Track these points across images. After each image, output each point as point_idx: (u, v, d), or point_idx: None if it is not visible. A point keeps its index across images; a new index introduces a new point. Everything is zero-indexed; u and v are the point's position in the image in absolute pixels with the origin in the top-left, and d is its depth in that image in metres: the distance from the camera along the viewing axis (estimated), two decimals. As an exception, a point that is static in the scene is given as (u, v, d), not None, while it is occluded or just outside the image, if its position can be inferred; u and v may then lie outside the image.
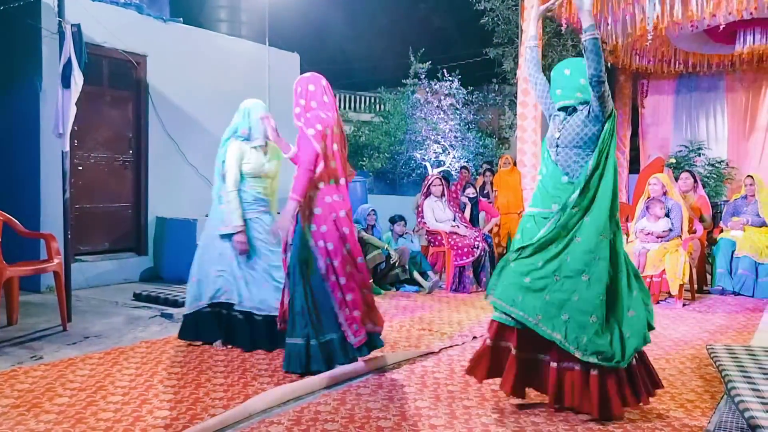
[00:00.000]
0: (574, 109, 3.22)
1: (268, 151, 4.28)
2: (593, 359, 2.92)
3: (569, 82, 3.24)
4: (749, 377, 2.76)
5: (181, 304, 5.37)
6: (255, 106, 4.28)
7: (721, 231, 6.92)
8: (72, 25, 4.77)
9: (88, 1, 6.43)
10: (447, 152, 14.54)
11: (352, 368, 3.65)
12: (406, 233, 7.18)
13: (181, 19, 7.71)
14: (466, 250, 6.68)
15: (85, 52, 4.87)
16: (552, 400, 3.05)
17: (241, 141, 4.22)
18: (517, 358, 3.08)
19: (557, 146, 3.21)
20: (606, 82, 3.07)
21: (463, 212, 7.46)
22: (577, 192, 3.05)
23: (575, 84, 3.22)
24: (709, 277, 6.85)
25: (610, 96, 3.15)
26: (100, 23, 6.35)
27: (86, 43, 4.93)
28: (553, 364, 3.04)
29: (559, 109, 3.28)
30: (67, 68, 4.72)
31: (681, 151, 10.40)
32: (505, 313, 3.10)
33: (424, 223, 7.05)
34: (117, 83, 6.91)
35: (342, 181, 3.76)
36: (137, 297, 5.76)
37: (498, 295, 3.13)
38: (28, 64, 6.21)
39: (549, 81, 3.40)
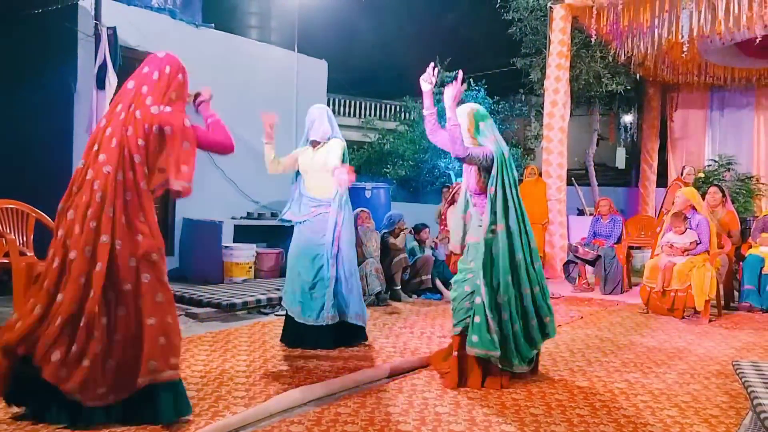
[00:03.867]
0: None
1: (321, 148, 4.37)
2: None
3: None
4: (776, 394, 2.71)
5: (206, 304, 5.45)
6: (309, 110, 4.49)
7: (750, 247, 6.81)
8: (108, 28, 4.91)
9: (123, 5, 6.58)
10: (472, 161, 14.55)
11: (373, 372, 3.67)
12: (434, 242, 7.19)
13: (213, 24, 7.84)
14: (488, 259, 6.64)
15: (120, 54, 5.00)
16: None
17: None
18: None
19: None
20: (468, 157, 3.53)
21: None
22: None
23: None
24: (736, 293, 6.74)
25: (479, 155, 3.56)
26: (134, 27, 6.49)
27: (121, 46, 5.05)
28: None
29: None
30: (102, 70, 4.86)
31: (710, 165, 10.27)
32: None
33: (448, 231, 7.04)
34: (149, 86, 7.03)
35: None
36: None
37: None
38: (63, 65, 6.36)
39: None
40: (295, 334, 4.34)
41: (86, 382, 2.65)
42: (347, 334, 4.39)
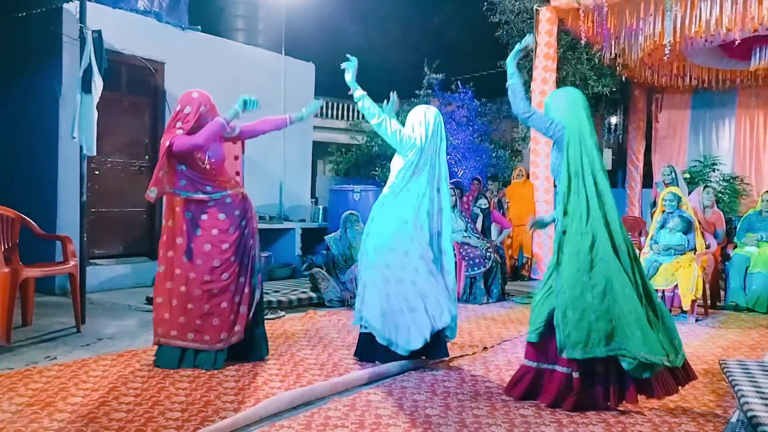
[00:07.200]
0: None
1: None
2: None
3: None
4: (762, 392, 2.75)
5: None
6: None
7: (735, 246, 6.88)
8: (93, 31, 4.85)
9: (108, 8, 6.53)
10: (460, 163, 14.55)
11: (360, 375, 3.67)
12: None
13: (200, 27, 7.81)
14: (477, 260, 6.67)
15: (105, 58, 4.95)
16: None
17: None
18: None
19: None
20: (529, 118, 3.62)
21: (475, 223, 7.46)
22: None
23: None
24: (722, 292, 6.81)
25: (543, 125, 3.59)
26: (120, 30, 6.44)
27: (106, 50, 5.01)
28: None
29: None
30: (88, 73, 4.79)
31: (695, 166, 10.37)
32: None
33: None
34: (135, 89, 7.00)
35: None
36: (150, 301, 5.79)
37: None
38: (48, 69, 6.31)
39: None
40: None
41: None
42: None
